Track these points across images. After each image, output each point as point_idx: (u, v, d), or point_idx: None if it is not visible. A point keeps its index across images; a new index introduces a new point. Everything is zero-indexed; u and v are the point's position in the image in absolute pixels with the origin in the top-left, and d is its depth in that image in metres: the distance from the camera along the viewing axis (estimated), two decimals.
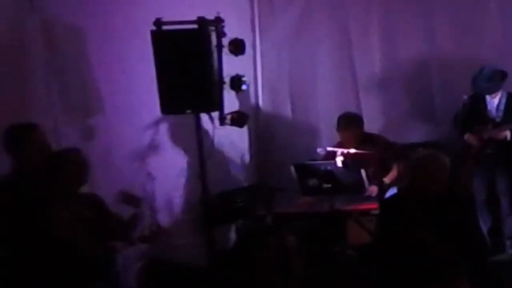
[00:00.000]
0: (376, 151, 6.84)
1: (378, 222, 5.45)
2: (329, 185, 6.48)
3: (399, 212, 5.01)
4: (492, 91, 6.96)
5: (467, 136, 7.01)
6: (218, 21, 6.26)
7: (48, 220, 4.77)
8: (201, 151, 6.42)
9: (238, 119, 6.67)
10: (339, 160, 6.56)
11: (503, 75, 6.93)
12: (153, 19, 6.14)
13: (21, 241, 4.79)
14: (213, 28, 6.23)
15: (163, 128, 6.76)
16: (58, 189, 4.89)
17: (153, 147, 6.65)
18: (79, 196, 5.03)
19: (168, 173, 6.79)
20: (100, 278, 4.99)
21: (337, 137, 7.20)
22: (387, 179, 6.94)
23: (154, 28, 6.15)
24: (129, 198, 5.23)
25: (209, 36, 6.19)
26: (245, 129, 7.44)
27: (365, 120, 7.39)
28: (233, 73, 6.52)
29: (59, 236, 4.75)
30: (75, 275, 4.79)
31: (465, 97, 6.95)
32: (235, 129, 6.78)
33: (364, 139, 7.05)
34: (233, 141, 7.50)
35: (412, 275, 4.26)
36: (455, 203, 5.07)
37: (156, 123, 6.68)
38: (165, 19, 6.15)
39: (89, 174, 5.05)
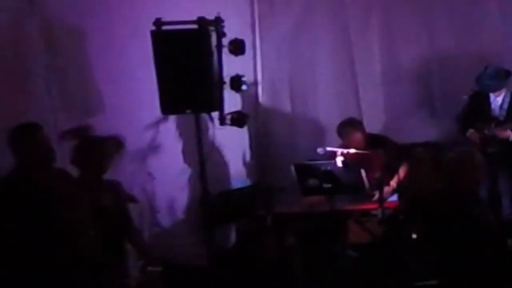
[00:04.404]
0: (377, 152, 6.81)
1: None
2: (329, 185, 6.49)
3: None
4: (496, 89, 7.03)
5: (469, 133, 7.03)
6: (218, 21, 6.25)
7: (67, 222, 4.79)
8: (201, 151, 6.41)
9: (238, 119, 6.66)
10: (339, 160, 6.55)
11: (506, 73, 7.01)
12: (153, 19, 6.13)
13: (31, 240, 4.81)
14: (213, 28, 6.22)
15: (163, 128, 6.75)
16: (88, 175, 5.12)
17: (153, 147, 6.65)
18: (102, 182, 5.25)
19: (168, 173, 6.79)
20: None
21: (338, 138, 7.19)
22: (393, 183, 6.88)
23: (154, 28, 6.14)
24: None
25: (209, 36, 6.19)
26: (245, 129, 7.43)
27: (365, 119, 7.38)
28: (233, 73, 6.50)
29: (74, 238, 4.80)
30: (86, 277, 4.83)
31: (465, 97, 6.97)
32: (235, 129, 6.77)
33: (371, 141, 7.02)
34: (233, 141, 7.49)
35: None
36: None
37: (156, 123, 6.67)
38: (165, 19, 6.15)
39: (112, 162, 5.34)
